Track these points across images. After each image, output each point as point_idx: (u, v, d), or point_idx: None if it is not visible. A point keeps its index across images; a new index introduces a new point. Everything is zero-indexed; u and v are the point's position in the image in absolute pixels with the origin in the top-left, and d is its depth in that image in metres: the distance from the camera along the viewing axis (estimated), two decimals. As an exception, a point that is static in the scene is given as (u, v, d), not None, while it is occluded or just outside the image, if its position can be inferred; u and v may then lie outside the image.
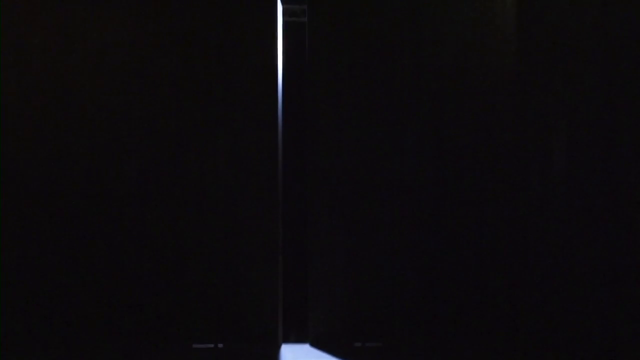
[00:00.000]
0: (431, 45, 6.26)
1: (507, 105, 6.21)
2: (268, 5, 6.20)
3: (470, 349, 5.87)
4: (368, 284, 6.12)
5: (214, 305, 6.07)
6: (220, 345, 6.05)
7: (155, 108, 6.17)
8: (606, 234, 4.91)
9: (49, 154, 6.09)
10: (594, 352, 4.91)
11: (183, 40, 6.16)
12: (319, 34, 6.25)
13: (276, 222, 6.17)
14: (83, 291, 6.01)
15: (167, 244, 6.08)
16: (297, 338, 6.34)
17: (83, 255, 6.03)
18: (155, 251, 6.06)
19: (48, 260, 6.00)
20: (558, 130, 5.46)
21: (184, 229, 6.08)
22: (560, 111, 5.41)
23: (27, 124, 6.09)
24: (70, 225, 6.03)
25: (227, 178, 6.14)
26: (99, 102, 6.13)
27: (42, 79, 6.09)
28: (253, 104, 6.16)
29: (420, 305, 6.10)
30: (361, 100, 6.27)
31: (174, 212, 6.08)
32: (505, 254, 6.04)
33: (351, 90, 6.26)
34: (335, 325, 6.12)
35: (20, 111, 6.09)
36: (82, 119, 6.13)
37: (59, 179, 6.06)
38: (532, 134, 5.82)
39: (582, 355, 5.03)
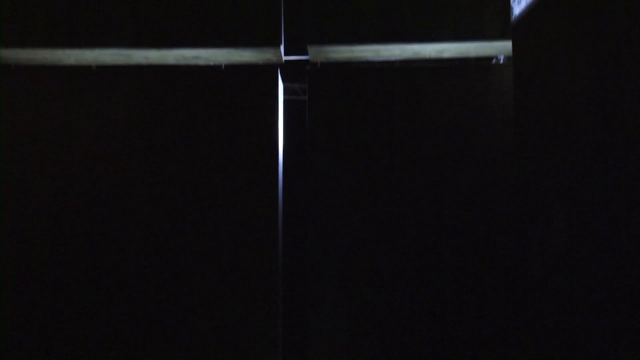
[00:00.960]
0: (428, 121, 6.49)
1: (505, 178, 6.46)
2: (269, 84, 6.35)
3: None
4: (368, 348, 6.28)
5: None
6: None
7: (158, 183, 6.36)
8: (607, 321, 4.86)
9: (54, 224, 6.33)
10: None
11: (187, 117, 6.34)
12: (319, 112, 6.50)
13: (276, 296, 6.31)
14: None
15: (167, 311, 6.20)
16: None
17: (82, 329, 6.22)
18: (156, 324, 6.23)
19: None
20: (557, 207, 5.47)
21: (186, 299, 6.23)
22: (558, 189, 5.43)
23: (31, 193, 6.34)
24: (70, 306, 6.22)
25: (229, 250, 6.31)
26: (104, 177, 6.40)
27: (46, 160, 6.37)
28: (254, 178, 6.38)
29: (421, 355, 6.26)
30: (360, 175, 6.52)
31: (175, 282, 6.24)
32: (501, 310, 6.24)
33: (350, 164, 6.55)
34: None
35: (25, 180, 6.34)
36: (84, 198, 6.38)
37: (62, 253, 6.27)
38: (530, 208, 5.91)
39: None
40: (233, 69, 6.44)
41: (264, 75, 6.38)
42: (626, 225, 4.13)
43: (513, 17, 5.02)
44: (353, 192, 6.48)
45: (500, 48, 6.35)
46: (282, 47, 6.11)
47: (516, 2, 4.86)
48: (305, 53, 6.64)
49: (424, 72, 6.54)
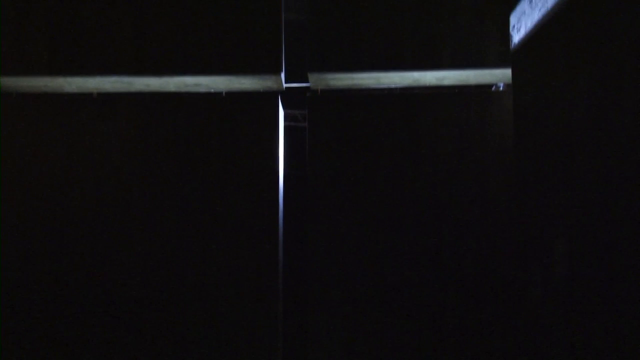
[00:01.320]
0: (427, 147, 6.55)
1: (504, 204, 6.47)
2: (270, 111, 6.40)
3: None
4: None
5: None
6: None
7: (160, 208, 6.36)
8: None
9: (53, 255, 6.28)
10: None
11: (188, 143, 6.37)
12: (318, 138, 6.55)
13: (276, 330, 6.21)
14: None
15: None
16: None
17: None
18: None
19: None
20: (559, 235, 5.44)
21: (183, 336, 6.16)
22: (558, 217, 5.42)
23: (30, 231, 6.32)
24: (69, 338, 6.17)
25: (228, 280, 6.25)
26: (102, 205, 6.36)
27: (47, 187, 6.34)
28: (254, 205, 6.35)
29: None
30: (360, 201, 6.52)
31: (172, 320, 6.17)
32: (500, 332, 6.16)
33: (350, 191, 6.54)
34: None
35: (24, 217, 6.32)
36: (85, 224, 6.34)
37: (62, 283, 6.22)
38: (531, 238, 5.87)
39: None
40: (234, 96, 6.45)
41: (264, 102, 6.39)
42: (629, 256, 4.09)
43: (512, 44, 5.04)
44: (353, 217, 6.43)
45: (500, 75, 6.38)
46: (282, 75, 6.13)
47: (515, 30, 4.89)
48: (306, 80, 6.68)
49: (423, 99, 6.56)
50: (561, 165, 5.00)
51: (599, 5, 4.01)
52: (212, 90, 6.54)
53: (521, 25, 4.76)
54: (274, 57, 6.10)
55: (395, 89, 6.85)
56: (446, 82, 6.66)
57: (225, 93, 6.51)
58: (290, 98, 7.12)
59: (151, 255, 6.24)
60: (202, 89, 6.53)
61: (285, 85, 6.59)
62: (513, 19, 5.06)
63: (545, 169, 5.37)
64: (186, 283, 6.18)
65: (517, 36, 4.93)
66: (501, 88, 6.69)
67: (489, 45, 6.23)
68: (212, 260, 6.23)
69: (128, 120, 6.39)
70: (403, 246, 6.42)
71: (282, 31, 6.16)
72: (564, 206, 5.01)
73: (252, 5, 6.20)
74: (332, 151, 6.54)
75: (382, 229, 6.45)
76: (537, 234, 5.69)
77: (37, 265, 6.17)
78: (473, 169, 6.45)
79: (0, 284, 6.10)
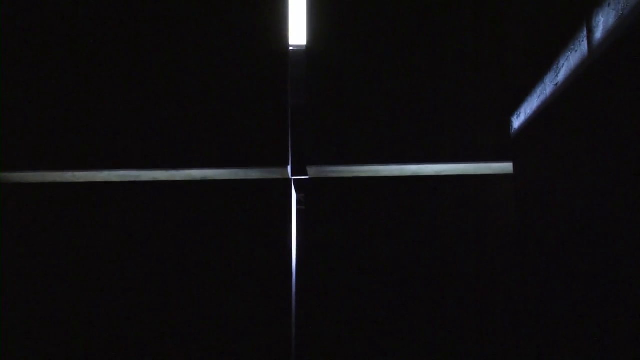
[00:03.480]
0: (426, 229, 6.61)
1: (504, 285, 6.44)
2: (282, 197, 6.47)
3: None
4: None
5: None
6: None
7: (170, 292, 6.15)
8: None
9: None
10: None
11: (197, 229, 6.34)
12: (317, 223, 6.54)
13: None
14: None
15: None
16: None
17: None
18: None
19: None
20: (562, 320, 5.43)
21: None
22: (561, 302, 5.44)
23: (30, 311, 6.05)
24: None
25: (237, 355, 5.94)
26: (113, 289, 6.16)
27: (52, 277, 6.18)
28: (266, 291, 6.17)
29: None
30: (358, 286, 6.44)
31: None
32: None
33: (346, 277, 6.43)
34: None
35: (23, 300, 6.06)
36: (88, 320, 6.10)
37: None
38: (533, 323, 5.78)
39: None
40: (244, 183, 6.49)
41: (275, 189, 6.42)
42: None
43: (512, 129, 5.29)
44: (349, 309, 6.24)
45: (499, 169, 6.59)
46: (289, 167, 6.26)
47: (516, 116, 5.16)
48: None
49: (423, 185, 6.67)
50: (561, 251, 5.05)
51: (597, 95, 4.27)
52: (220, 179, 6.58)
53: (521, 111, 5.04)
54: (281, 151, 6.26)
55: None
56: (445, 174, 6.84)
57: (237, 180, 6.55)
58: (295, 182, 7.19)
59: (157, 344, 5.88)
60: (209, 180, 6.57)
61: (292, 177, 6.68)
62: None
63: (547, 253, 5.42)
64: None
65: (517, 122, 5.19)
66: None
67: (488, 139, 6.50)
68: (224, 340, 5.88)
69: (136, 207, 6.32)
70: (402, 321, 6.17)
71: (289, 125, 6.38)
72: (567, 290, 4.96)
73: (259, 101, 6.46)
74: (330, 235, 6.50)
75: (380, 301, 6.23)
76: (539, 318, 5.55)
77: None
78: (473, 250, 6.43)
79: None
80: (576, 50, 4.05)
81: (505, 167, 6.47)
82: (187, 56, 6.51)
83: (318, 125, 6.63)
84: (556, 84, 4.42)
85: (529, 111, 4.94)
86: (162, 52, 6.52)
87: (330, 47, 6.87)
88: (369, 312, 6.28)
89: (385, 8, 6.95)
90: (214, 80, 6.46)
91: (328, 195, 6.67)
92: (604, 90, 3.91)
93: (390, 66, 6.81)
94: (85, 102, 6.38)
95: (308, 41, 6.80)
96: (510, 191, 6.56)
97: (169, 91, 6.40)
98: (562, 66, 4.27)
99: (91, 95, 6.38)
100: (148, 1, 6.65)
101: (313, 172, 6.54)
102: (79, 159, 6.23)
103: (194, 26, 6.59)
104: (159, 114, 6.37)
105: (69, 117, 6.34)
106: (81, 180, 6.42)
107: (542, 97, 4.76)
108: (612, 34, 3.77)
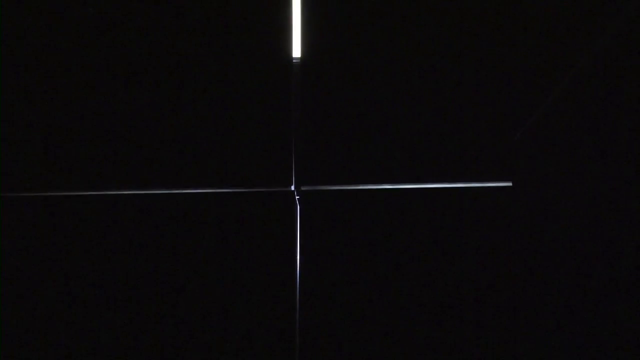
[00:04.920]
0: (434, 246, 6.79)
1: (505, 295, 6.64)
2: (286, 211, 6.47)
3: None
4: None
5: None
6: None
7: (170, 310, 6.05)
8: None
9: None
10: None
11: (201, 240, 6.29)
12: (310, 236, 6.61)
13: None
14: None
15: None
16: None
17: None
18: None
19: None
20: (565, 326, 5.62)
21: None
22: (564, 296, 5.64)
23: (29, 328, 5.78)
24: None
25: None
26: (109, 307, 5.96)
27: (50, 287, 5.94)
28: (270, 306, 6.15)
29: None
30: (358, 301, 6.50)
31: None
32: None
33: (347, 293, 6.52)
34: None
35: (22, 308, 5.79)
36: (89, 334, 5.87)
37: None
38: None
39: None
40: (248, 195, 6.50)
41: (279, 203, 6.45)
42: None
43: (511, 148, 5.54)
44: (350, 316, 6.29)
45: (497, 188, 6.85)
46: (292, 187, 6.31)
47: (515, 134, 5.40)
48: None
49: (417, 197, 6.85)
50: (562, 270, 5.24)
51: (596, 103, 4.56)
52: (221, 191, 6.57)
53: (520, 129, 5.30)
54: (284, 172, 6.30)
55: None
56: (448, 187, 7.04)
57: (242, 193, 6.56)
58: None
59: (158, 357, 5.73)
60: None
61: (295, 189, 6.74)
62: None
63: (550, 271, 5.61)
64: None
65: (516, 141, 5.44)
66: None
67: (489, 161, 6.73)
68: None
69: (135, 220, 6.19)
70: (399, 330, 6.26)
71: (292, 145, 6.43)
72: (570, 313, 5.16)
73: (262, 123, 6.51)
74: (325, 247, 6.51)
75: (379, 310, 6.30)
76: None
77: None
78: (472, 259, 6.62)
79: None
80: (573, 66, 4.29)
81: (504, 185, 6.71)
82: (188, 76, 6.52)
83: (312, 143, 6.70)
84: (554, 100, 4.68)
85: (527, 128, 5.20)
86: (161, 72, 6.51)
87: (325, 61, 7.01)
88: (375, 324, 6.35)
89: (383, 24, 7.18)
90: (216, 100, 6.48)
91: (330, 205, 6.72)
92: (602, 103, 4.17)
93: (386, 83, 7.01)
94: (82, 123, 6.27)
95: (302, 53, 6.92)
96: (510, 203, 6.77)
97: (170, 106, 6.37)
98: (561, 83, 4.52)
99: (87, 117, 6.29)
100: (143, 30, 6.63)
101: (307, 190, 6.59)
102: (73, 182, 6.10)
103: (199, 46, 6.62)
104: (159, 136, 6.31)
105: (65, 138, 6.20)
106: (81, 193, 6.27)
107: (541, 114, 5.03)
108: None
